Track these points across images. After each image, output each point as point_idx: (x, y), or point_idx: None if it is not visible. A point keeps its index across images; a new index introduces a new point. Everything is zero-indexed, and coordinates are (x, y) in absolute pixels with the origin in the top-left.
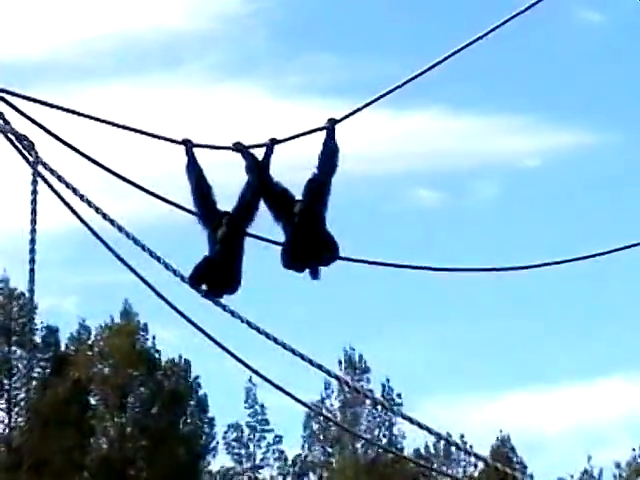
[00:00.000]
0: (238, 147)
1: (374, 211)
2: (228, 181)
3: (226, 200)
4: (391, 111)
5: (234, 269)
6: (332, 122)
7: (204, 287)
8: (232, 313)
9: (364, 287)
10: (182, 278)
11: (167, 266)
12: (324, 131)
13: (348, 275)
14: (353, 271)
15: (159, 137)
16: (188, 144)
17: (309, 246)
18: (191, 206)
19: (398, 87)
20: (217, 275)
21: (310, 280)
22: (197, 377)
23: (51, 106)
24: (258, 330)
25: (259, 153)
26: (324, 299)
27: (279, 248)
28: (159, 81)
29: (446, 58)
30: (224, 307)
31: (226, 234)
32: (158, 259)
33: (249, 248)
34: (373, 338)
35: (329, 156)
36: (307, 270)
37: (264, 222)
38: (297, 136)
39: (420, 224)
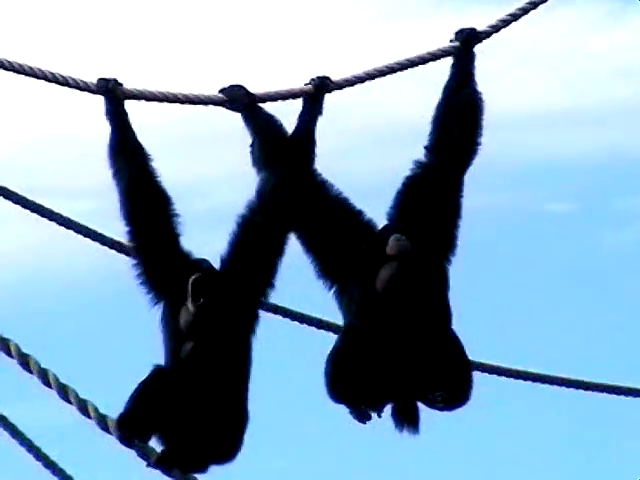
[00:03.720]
0: (233, 98)
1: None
2: (210, 185)
3: (206, 229)
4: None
5: (225, 401)
6: (466, 40)
7: (155, 445)
8: None
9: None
10: (103, 424)
11: (66, 395)
12: (448, 59)
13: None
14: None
15: (53, 79)
16: (112, 92)
17: (404, 358)
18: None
19: None
20: (185, 418)
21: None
22: None
23: None
24: None
25: (287, 115)
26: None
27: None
28: None
29: None
30: None
31: (199, 319)
32: (64, 394)
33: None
34: None
35: (462, 119)
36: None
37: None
38: (377, 75)
39: None
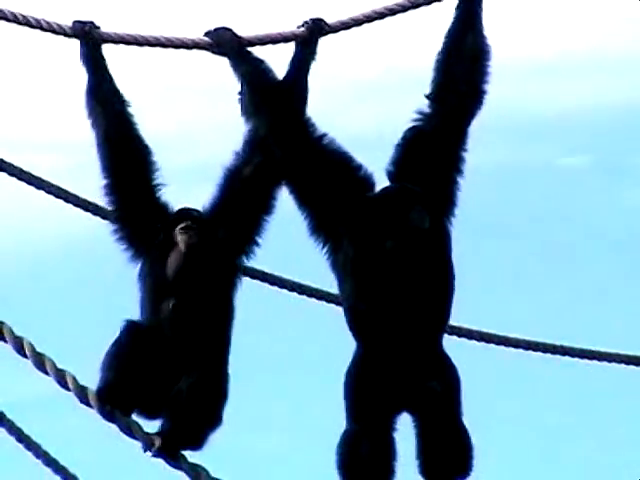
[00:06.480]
0: (219, 42)
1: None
2: (195, 137)
3: (190, 183)
4: None
5: (208, 362)
6: None
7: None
8: None
9: None
10: (83, 396)
11: (42, 365)
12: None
13: None
14: None
15: (25, 22)
16: (88, 35)
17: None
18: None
19: None
20: (167, 383)
21: None
22: None
23: None
24: None
25: (280, 62)
26: None
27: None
28: None
29: None
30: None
31: (187, 266)
32: (40, 364)
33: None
34: None
35: (466, 65)
36: None
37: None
38: (376, 17)
39: None
